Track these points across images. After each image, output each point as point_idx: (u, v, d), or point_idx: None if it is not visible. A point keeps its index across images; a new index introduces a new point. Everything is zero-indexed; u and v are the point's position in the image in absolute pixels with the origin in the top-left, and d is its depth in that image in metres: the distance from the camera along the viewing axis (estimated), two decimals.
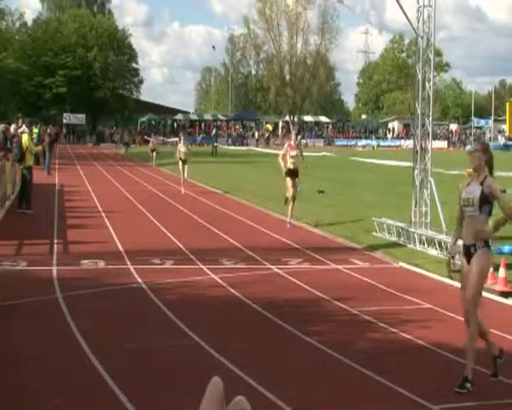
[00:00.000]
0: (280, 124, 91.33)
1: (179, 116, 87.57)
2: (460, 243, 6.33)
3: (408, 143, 68.44)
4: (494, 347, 6.13)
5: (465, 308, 6.01)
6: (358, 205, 19.01)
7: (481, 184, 6.05)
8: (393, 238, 13.49)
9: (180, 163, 23.11)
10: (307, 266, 11.14)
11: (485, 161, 6.15)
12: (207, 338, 7.00)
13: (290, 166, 15.30)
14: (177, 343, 6.97)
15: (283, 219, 16.67)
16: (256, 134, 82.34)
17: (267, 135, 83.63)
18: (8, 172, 19.40)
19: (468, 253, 6.01)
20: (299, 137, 16.53)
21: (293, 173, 15.36)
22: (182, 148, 23.26)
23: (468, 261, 6.01)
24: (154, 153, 38.27)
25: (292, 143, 15.68)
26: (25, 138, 17.38)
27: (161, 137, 76.41)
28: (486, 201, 5.99)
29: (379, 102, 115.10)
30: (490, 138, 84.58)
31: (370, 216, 14.99)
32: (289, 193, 15.34)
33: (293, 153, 15.39)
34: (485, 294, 9.23)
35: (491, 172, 6.17)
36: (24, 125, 19.41)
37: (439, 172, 21.38)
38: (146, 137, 74.00)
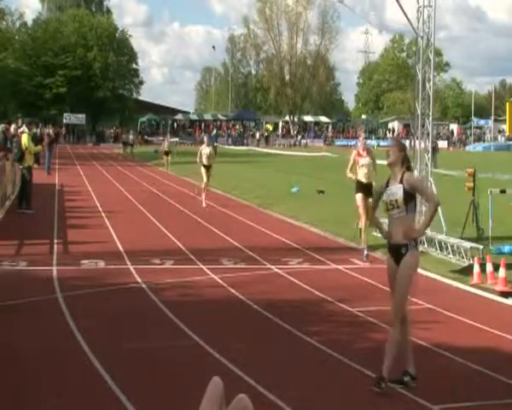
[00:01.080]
0: (280, 124, 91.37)
1: (179, 116, 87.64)
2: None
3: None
4: (387, 368, 5.76)
5: (392, 310, 5.89)
6: None
7: (401, 181, 5.84)
8: None
9: (203, 170, 19.08)
10: (307, 266, 11.13)
11: (401, 160, 5.95)
12: (207, 338, 7.00)
13: (362, 178, 12.10)
14: (177, 343, 6.97)
15: (283, 220, 16.68)
16: (258, 134, 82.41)
17: (267, 135, 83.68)
18: (8, 172, 19.40)
19: (398, 253, 5.80)
20: (362, 137, 12.85)
21: (365, 189, 12.03)
22: (206, 150, 19.18)
23: (397, 261, 5.81)
24: (169, 156, 33.74)
25: (360, 148, 12.34)
26: (24, 138, 17.36)
27: (161, 137, 76.40)
28: (411, 197, 5.81)
29: (379, 102, 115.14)
30: (490, 138, 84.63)
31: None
32: (361, 219, 12.12)
33: (364, 161, 12.16)
34: (485, 294, 9.29)
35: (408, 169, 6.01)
36: (24, 125, 19.39)
37: (439, 172, 21.39)
38: (146, 137, 74.16)
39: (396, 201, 5.79)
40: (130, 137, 49.98)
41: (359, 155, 12.21)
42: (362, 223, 12.08)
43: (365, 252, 11.76)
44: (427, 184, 5.86)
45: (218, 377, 3.69)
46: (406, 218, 5.78)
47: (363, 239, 12.01)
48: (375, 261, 11.73)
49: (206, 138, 20.76)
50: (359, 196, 12.02)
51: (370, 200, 11.24)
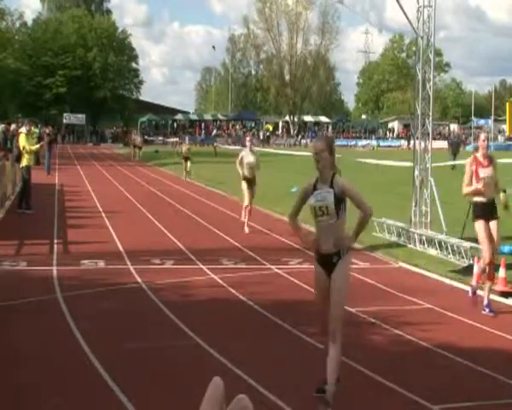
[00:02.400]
0: (280, 124, 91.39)
1: (179, 116, 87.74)
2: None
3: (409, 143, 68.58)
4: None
5: (331, 325, 5.46)
6: None
7: (331, 186, 5.30)
8: (393, 238, 13.49)
9: (244, 184, 14.36)
10: (307, 266, 11.11)
11: (330, 161, 5.39)
12: (207, 338, 7.00)
13: (482, 197, 8.58)
14: (177, 343, 6.97)
15: (283, 219, 16.65)
16: (261, 134, 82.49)
17: (267, 135, 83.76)
18: (8, 172, 19.39)
19: (329, 262, 5.30)
20: (483, 139, 8.71)
21: (488, 211, 8.58)
22: (249, 157, 14.22)
23: (327, 271, 5.32)
24: (189, 162, 27.76)
25: (481, 155, 8.70)
26: (21, 138, 17.29)
27: (161, 138, 76.53)
28: (341, 202, 5.27)
29: (379, 102, 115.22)
30: (490, 138, 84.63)
31: None
32: (483, 255, 8.64)
33: (487, 172, 8.59)
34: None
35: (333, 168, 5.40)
36: (24, 126, 19.39)
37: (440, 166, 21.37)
38: (146, 137, 74.23)
39: (326, 207, 5.25)
40: (138, 138, 44.46)
41: (479, 163, 8.67)
42: (486, 258, 8.53)
43: (485, 302, 8.49)
44: (358, 190, 5.30)
45: (218, 378, 3.68)
46: (337, 224, 5.27)
47: (486, 291, 8.58)
48: (375, 261, 11.73)
49: (248, 141, 14.88)
50: (481, 225, 8.54)
51: (495, 224, 8.57)
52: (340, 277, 5.31)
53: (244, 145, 14.80)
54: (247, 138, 15.34)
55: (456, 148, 39.44)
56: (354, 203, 5.31)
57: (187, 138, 30.55)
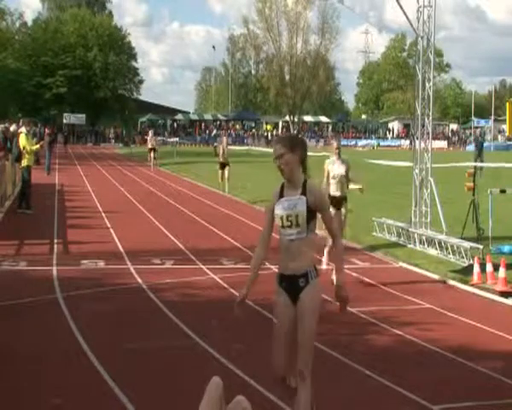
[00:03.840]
0: (280, 124, 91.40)
1: (179, 116, 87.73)
2: None
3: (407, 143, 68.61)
4: None
5: (300, 361, 4.58)
6: (358, 205, 18.99)
7: (303, 192, 4.40)
8: (393, 238, 13.48)
9: (331, 209, 8.79)
10: None
11: (299, 161, 4.46)
12: (207, 338, 7.00)
13: None
14: (177, 343, 6.97)
15: None
16: (267, 134, 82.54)
17: (266, 135, 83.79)
18: (8, 172, 19.38)
19: (295, 286, 4.42)
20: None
21: None
22: (339, 169, 9.73)
23: (292, 296, 4.45)
24: (226, 171, 21.41)
25: None
26: (21, 138, 17.27)
27: (161, 137, 76.48)
28: (312, 215, 4.40)
29: (379, 102, 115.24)
30: (490, 139, 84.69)
31: (370, 216, 14.97)
32: None
33: None
34: (485, 294, 9.28)
35: (305, 172, 4.49)
36: (23, 126, 19.36)
37: (440, 166, 21.36)
38: (146, 137, 74.22)
39: (296, 217, 4.37)
40: (150, 137, 36.95)
41: None
42: None
43: None
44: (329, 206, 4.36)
45: (218, 377, 3.68)
46: (306, 240, 4.41)
47: None
48: (375, 261, 11.73)
49: (336, 147, 9.84)
50: None
51: None
52: (310, 301, 4.40)
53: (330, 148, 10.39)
54: (334, 141, 10.48)
55: (480, 148, 38.59)
56: (323, 221, 4.52)
57: (224, 139, 23.19)
